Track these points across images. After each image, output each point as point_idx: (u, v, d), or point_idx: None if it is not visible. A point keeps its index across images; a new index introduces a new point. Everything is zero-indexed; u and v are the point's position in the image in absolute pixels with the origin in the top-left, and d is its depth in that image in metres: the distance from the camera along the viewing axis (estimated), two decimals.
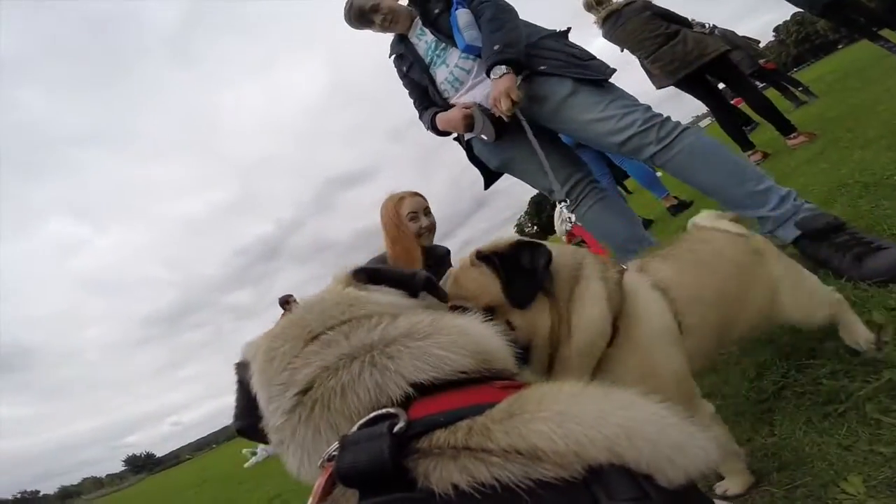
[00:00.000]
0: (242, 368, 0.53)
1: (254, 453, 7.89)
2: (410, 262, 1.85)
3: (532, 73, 1.52)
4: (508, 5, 1.59)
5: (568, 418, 0.31)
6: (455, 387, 0.39)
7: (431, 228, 1.98)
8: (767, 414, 0.96)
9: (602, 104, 1.47)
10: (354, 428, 0.36)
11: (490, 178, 1.87)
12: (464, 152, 1.87)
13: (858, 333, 0.93)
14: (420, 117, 1.82)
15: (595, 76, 1.48)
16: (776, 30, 71.28)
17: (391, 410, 0.36)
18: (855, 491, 0.69)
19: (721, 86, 4.09)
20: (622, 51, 3.79)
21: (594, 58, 1.56)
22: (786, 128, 3.40)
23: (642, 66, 3.76)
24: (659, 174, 4.60)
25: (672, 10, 3.65)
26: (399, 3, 1.77)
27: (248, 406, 0.49)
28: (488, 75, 1.49)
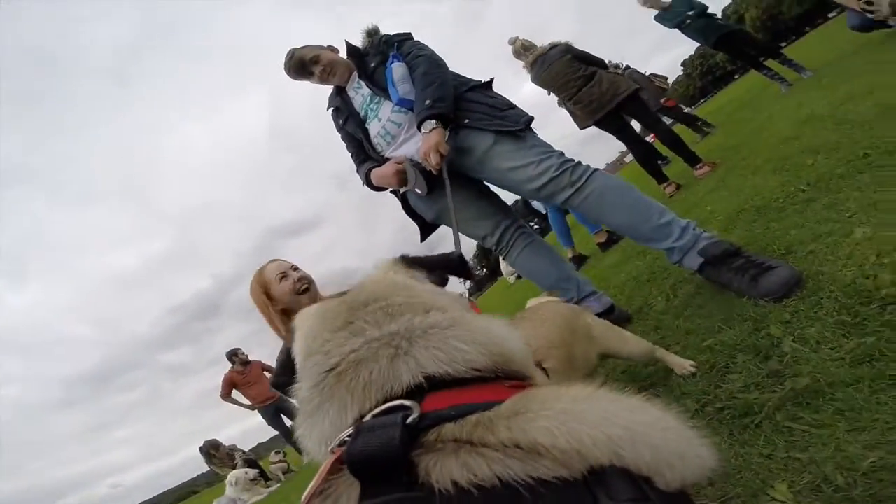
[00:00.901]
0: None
1: None
2: None
3: (457, 126, 1.61)
4: (440, 60, 1.69)
5: (571, 417, 0.31)
6: (467, 384, 0.40)
7: (308, 280, 1.84)
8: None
9: (520, 153, 1.58)
10: (369, 417, 0.37)
11: (426, 229, 1.92)
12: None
13: (676, 364, 1.23)
14: (357, 171, 1.86)
15: (513, 127, 1.59)
16: (683, 64, 78.95)
17: (405, 403, 0.36)
18: (783, 497, 0.74)
19: (635, 124, 4.52)
20: (549, 94, 4.06)
21: (513, 107, 1.67)
22: (692, 159, 3.73)
23: (566, 107, 4.04)
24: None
25: (592, 50, 3.98)
26: (338, 56, 1.83)
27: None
28: (419, 129, 1.56)
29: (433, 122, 1.53)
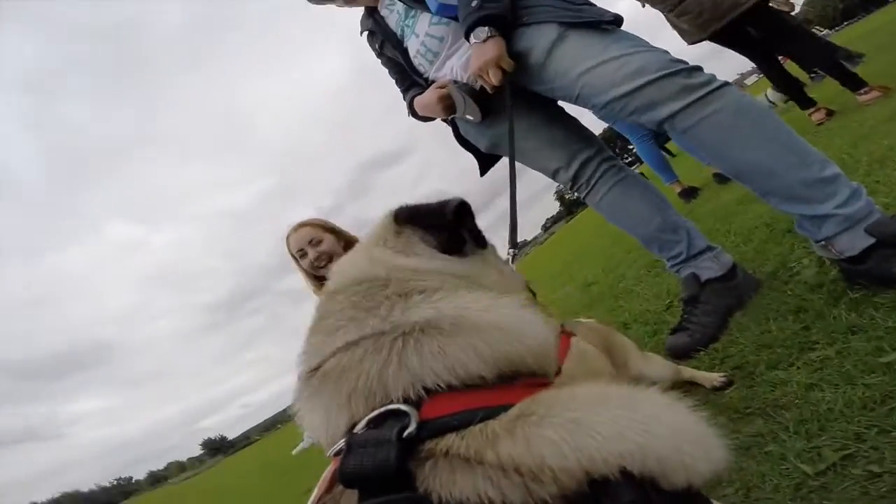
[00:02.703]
0: None
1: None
2: None
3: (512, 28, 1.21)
4: None
5: (582, 428, 0.30)
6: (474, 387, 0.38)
7: (327, 254, 1.79)
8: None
9: (597, 46, 1.14)
10: (362, 423, 0.36)
11: (485, 161, 1.59)
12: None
13: (707, 379, 1.12)
14: (404, 99, 1.59)
15: (590, 18, 1.15)
16: None
17: (402, 408, 0.35)
18: None
19: None
20: (643, 6, 3.21)
21: (594, 4, 1.22)
22: (854, 82, 2.85)
23: (669, 21, 3.16)
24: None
25: None
26: None
27: None
28: (467, 39, 1.21)
29: (486, 29, 1.16)
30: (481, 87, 1.26)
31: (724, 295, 1.37)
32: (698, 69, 1.11)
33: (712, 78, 1.10)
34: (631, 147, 3.90)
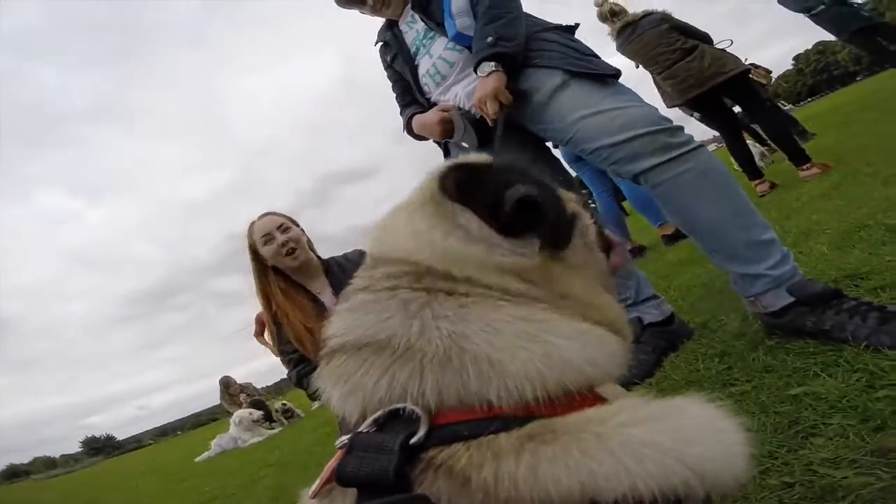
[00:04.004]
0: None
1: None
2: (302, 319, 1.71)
3: (521, 67, 1.31)
4: None
5: (592, 454, 0.29)
6: None
7: (294, 241, 1.76)
8: None
9: (596, 96, 1.24)
10: (370, 420, 0.35)
11: None
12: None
13: None
14: (400, 114, 1.64)
15: (595, 70, 1.26)
16: (796, 58, 70.74)
17: (416, 411, 0.34)
18: None
19: (736, 109, 3.92)
20: (637, 66, 3.61)
21: (597, 56, 1.35)
22: (800, 157, 3.20)
23: (655, 82, 3.58)
24: None
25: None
26: None
27: None
28: (475, 71, 1.29)
29: (493, 63, 1.24)
30: (481, 117, 1.33)
31: (661, 338, 1.52)
32: (680, 129, 1.22)
33: (690, 139, 1.22)
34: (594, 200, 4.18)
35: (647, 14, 3.45)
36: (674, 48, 3.27)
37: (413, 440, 0.31)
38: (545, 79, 1.28)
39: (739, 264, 1.19)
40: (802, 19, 4.01)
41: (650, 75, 3.59)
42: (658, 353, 1.49)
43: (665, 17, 3.41)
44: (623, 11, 3.59)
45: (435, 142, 1.64)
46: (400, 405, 0.35)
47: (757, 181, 3.46)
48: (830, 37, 4.08)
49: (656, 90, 3.65)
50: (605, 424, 0.32)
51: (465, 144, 1.44)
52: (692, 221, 1.23)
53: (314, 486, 0.35)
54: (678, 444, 0.31)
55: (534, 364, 0.36)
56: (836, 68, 60.16)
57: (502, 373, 0.35)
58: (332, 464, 0.34)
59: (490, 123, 1.32)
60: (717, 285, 1.87)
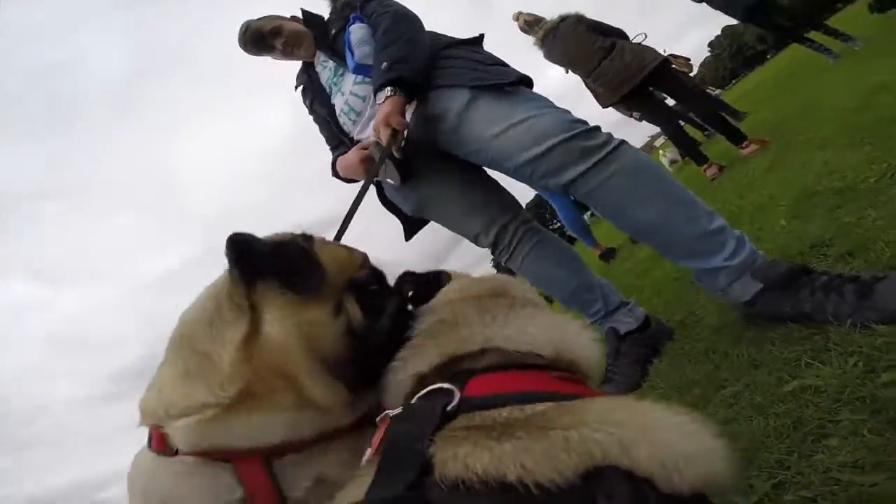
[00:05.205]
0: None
1: None
2: None
3: (427, 89, 1.24)
4: (409, 14, 1.32)
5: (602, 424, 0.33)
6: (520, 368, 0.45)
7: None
8: None
9: (504, 110, 1.16)
10: (423, 393, 0.43)
11: (411, 225, 1.54)
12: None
13: None
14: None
15: (496, 80, 1.19)
16: (710, 45, 75.64)
17: (451, 388, 0.41)
18: None
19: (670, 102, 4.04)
20: (567, 72, 3.66)
21: (503, 63, 1.28)
22: (736, 137, 3.30)
23: (586, 84, 3.62)
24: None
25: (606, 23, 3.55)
26: (304, 26, 1.52)
27: None
28: (376, 99, 1.20)
29: (388, 89, 1.16)
30: (402, 148, 1.23)
31: (642, 345, 1.42)
32: (596, 129, 1.15)
33: (609, 137, 1.14)
34: None
35: (563, 18, 3.52)
36: (596, 47, 3.33)
37: (449, 407, 0.39)
38: (452, 100, 1.20)
39: (696, 260, 1.12)
40: (706, 7, 4.23)
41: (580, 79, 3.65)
42: (642, 363, 1.39)
43: (580, 19, 3.48)
44: (539, 20, 3.67)
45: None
46: (440, 386, 0.44)
47: (705, 165, 3.53)
48: (733, 20, 4.30)
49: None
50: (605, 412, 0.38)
51: (389, 181, 1.34)
52: (634, 225, 1.16)
53: (364, 458, 0.40)
54: (642, 430, 0.33)
55: None
56: (747, 49, 64.83)
57: None
58: (376, 439, 0.40)
59: (396, 154, 1.21)
60: (689, 278, 1.81)
